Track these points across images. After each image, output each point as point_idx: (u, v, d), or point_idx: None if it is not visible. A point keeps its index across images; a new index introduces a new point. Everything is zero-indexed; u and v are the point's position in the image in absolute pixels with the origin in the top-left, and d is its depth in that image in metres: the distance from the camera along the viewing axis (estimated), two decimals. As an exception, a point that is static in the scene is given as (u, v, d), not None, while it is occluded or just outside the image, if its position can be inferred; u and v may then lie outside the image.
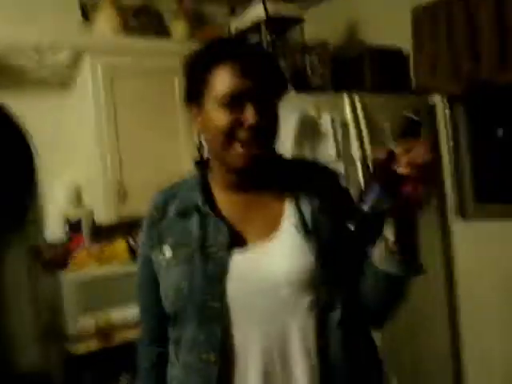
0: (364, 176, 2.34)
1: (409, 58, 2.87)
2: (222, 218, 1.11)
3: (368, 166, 2.24)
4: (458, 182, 2.93)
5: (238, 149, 1.05)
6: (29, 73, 2.66)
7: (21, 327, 4.60)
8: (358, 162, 2.38)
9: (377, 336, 1.21)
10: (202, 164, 1.20)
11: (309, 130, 2.24)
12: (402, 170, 0.93)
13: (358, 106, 2.45)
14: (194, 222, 1.11)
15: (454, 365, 2.91)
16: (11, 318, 4.59)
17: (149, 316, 1.24)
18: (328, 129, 2.28)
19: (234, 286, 1.05)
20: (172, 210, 1.15)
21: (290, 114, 2.17)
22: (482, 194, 2.93)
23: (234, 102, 1.04)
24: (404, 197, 0.94)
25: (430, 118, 2.86)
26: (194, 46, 1.12)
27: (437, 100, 2.88)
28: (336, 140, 2.30)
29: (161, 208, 1.17)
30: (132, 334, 2.35)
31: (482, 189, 2.93)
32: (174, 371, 1.15)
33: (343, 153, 2.33)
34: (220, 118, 1.04)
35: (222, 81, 1.04)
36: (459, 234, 2.87)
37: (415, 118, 0.98)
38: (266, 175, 1.15)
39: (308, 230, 1.08)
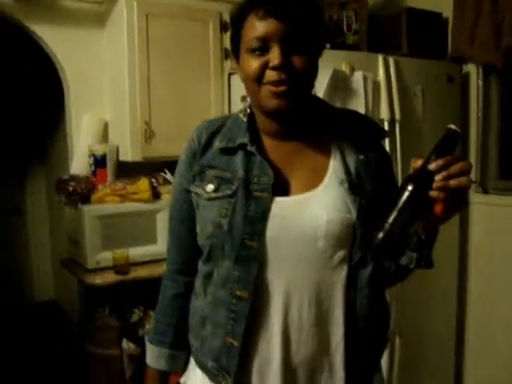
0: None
1: (448, 23, 2.81)
2: (268, 161, 1.11)
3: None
4: (482, 155, 2.91)
5: (266, 89, 1.04)
6: (65, 7, 2.67)
7: (39, 257, 4.75)
8: (386, 122, 2.37)
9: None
10: (250, 111, 1.18)
11: (340, 86, 2.22)
12: (434, 194, 0.93)
13: (392, 67, 2.42)
14: (238, 160, 1.11)
15: (458, 336, 2.96)
16: (30, 248, 4.73)
17: (179, 246, 1.26)
18: (359, 86, 2.26)
19: (274, 230, 1.06)
20: (217, 143, 1.15)
21: (322, 69, 2.14)
22: (506, 170, 2.90)
23: (262, 46, 1.03)
24: (433, 218, 0.96)
25: (462, 86, 2.82)
26: None
27: (471, 69, 2.83)
28: (366, 98, 2.28)
29: (205, 140, 1.17)
30: (147, 272, 2.43)
31: (506, 164, 2.91)
32: (198, 303, 1.19)
33: (372, 111, 2.32)
34: (250, 64, 1.05)
35: (251, 26, 1.04)
36: (478, 207, 2.86)
37: (457, 129, 0.93)
38: (310, 124, 1.15)
39: (351, 185, 1.09)
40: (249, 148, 1.11)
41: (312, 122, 1.15)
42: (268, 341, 1.08)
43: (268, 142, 1.15)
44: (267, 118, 1.12)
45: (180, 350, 1.28)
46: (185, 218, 1.21)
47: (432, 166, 0.92)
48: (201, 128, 1.20)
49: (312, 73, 1.08)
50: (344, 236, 1.08)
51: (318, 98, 1.22)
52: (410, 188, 0.95)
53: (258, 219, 1.06)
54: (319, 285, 1.08)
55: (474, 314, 2.95)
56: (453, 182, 0.92)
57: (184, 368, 1.28)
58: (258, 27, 1.02)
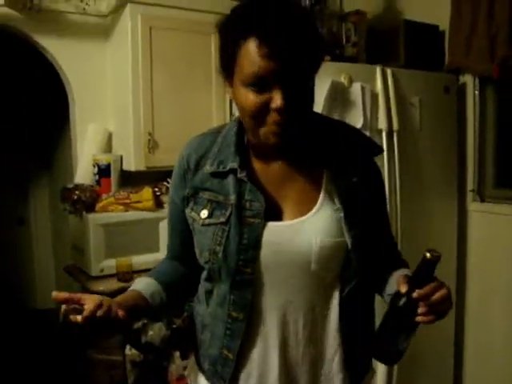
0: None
1: (444, 35, 2.87)
2: (259, 186, 1.10)
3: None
4: (479, 164, 2.95)
5: (266, 130, 1.02)
6: (71, 19, 2.73)
7: (42, 265, 4.78)
8: (384, 132, 2.42)
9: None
10: (239, 126, 1.16)
11: (339, 97, 2.27)
12: (419, 319, 1.00)
13: (390, 78, 2.47)
14: (230, 184, 1.11)
15: (456, 340, 2.99)
16: (33, 256, 4.76)
17: (175, 245, 1.29)
18: (358, 97, 2.31)
19: (267, 256, 1.08)
20: (207, 167, 1.14)
21: (321, 80, 2.19)
22: (503, 179, 2.94)
23: (261, 83, 0.98)
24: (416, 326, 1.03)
25: (459, 96, 2.87)
26: (234, 5, 1.06)
27: (468, 80, 2.89)
28: (364, 109, 2.33)
29: (195, 161, 1.16)
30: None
31: (503, 173, 2.95)
32: (200, 309, 1.22)
33: (370, 122, 2.37)
34: (248, 98, 1.01)
35: (249, 59, 0.98)
36: (476, 215, 2.90)
37: (434, 255, 0.98)
38: (303, 142, 1.13)
39: (344, 208, 1.09)
40: (239, 175, 1.10)
41: (305, 139, 1.13)
42: (265, 355, 1.12)
43: (258, 163, 1.15)
44: (259, 143, 1.08)
45: (168, 288, 1.22)
46: (176, 227, 1.25)
47: (415, 295, 0.99)
48: (190, 149, 1.19)
49: (312, 99, 1.06)
50: (337, 259, 1.11)
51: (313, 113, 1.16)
52: (399, 306, 1.02)
53: (252, 246, 1.08)
54: (313, 304, 1.12)
55: (472, 320, 2.98)
56: (436, 309, 1.00)
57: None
58: (259, 64, 0.97)
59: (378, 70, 2.45)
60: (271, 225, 1.09)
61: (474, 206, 2.92)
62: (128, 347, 2.48)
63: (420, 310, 0.99)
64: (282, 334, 1.11)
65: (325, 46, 1.17)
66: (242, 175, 1.10)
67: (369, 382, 1.27)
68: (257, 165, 1.15)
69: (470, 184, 2.95)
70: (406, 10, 3.03)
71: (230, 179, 1.11)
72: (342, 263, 1.11)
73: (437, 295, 0.99)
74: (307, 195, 1.12)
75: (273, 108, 0.99)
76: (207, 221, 1.12)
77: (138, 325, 2.50)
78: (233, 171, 1.11)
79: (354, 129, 1.26)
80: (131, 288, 1.19)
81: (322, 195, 1.11)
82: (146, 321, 2.43)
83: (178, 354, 2.52)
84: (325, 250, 1.08)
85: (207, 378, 1.20)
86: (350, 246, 1.09)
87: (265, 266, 1.09)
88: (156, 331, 2.50)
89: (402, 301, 1.01)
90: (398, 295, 1.03)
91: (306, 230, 1.09)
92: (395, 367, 2.56)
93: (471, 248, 2.95)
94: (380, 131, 2.42)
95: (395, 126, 2.46)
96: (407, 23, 2.73)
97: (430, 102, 2.66)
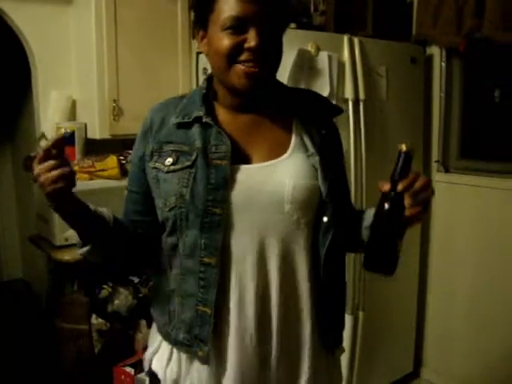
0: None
1: (412, 5, 2.88)
2: (226, 131, 1.12)
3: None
4: (444, 135, 2.99)
5: (238, 68, 1.07)
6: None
7: (6, 236, 4.71)
8: (350, 102, 2.43)
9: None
10: (207, 82, 1.20)
11: (306, 65, 2.26)
12: (408, 211, 1.03)
13: (357, 48, 2.48)
14: (195, 132, 1.13)
15: (419, 310, 3.07)
16: (-3, 227, 4.67)
17: (129, 216, 1.26)
18: (324, 66, 2.31)
19: (238, 196, 1.09)
20: (171, 119, 1.16)
21: (288, 48, 2.17)
22: (467, 150, 3.00)
23: (237, 25, 1.05)
24: (404, 225, 1.06)
25: (425, 68, 2.89)
26: None
27: (435, 51, 2.91)
28: (331, 78, 2.33)
29: (159, 119, 1.18)
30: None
31: (467, 145, 3.00)
32: (163, 278, 1.20)
33: (337, 91, 2.37)
34: (223, 41, 1.06)
35: (227, 4, 1.05)
36: (440, 186, 2.96)
37: (410, 149, 1.03)
38: (271, 99, 1.18)
39: (319, 153, 1.13)
40: (204, 119, 1.12)
41: (271, 98, 1.18)
42: (243, 305, 1.10)
43: (225, 115, 1.17)
44: (228, 92, 1.14)
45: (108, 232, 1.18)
46: (142, 197, 1.22)
47: (400, 188, 1.02)
48: (154, 110, 1.21)
49: (281, 53, 1.13)
50: (310, 201, 1.12)
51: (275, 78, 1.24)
52: (386, 207, 1.05)
53: (220, 186, 1.08)
54: (288, 246, 1.12)
55: (434, 287, 3.07)
56: (420, 197, 1.03)
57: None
58: (236, 7, 1.04)
59: (346, 39, 2.45)
60: (242, 167, 1.11)
61: (438, 177, 2.98)
62: (94, 316, 2.48)
63: (407, 202, 1.03)
64: (258, 281, 1.10)
65: (292, 7, 1.22)
66: (207, 119, 1.12)
67: (338, 357, 1.29)
68: (224, 115, 1.17)
69: (435, 155, 3.00)
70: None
71: (196, 128, 1.13)
72: (317, 210, 1.13)
73: (419, 183, 1.03)
74: (277, 144, 1.15)
75: (246, 47, 1.05)
76: (172, 167, 1.12)
77: (104, 293, 2.50)
78: (198, 119, 1.13)
79: (314, 92, 1.32)
80: None
81: (293, 140, 1.15)
82: (111, 290, 2.43)
83: (144, 322, 2.53)
84: (298, 190, 1.10)
85: (186, 351, 1.15)
86: (325, 191, 1.12)
87: (236, 207, 1.09)
88: (122, 300, 2.50)
89: (388, 200, 1.04)
90: (382, 199, 1.05)
91: (279, 171, 1.11)
92: (359, 341, 2.63)
93: (435, 217, 3.02)
94: (346, 100, 2.43)
95: (361, 95, 2.47)
96: (375, -7, 2.73)
97: (397, 72, 2.68)
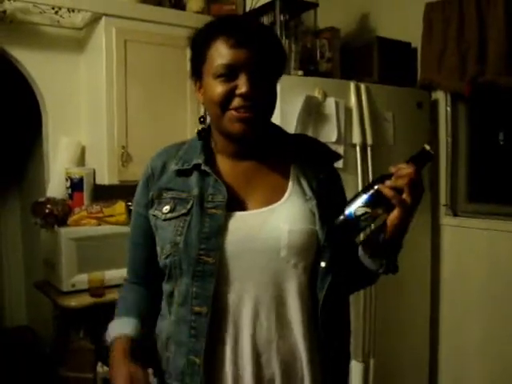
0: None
1: (417, 52, 2.92)
2: (223, 180, 1.13)
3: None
4: (452, 179, 2.99)
5: (231, 114, 1.08)
6: (45, 32, 2.71)
7: (12, 282, 4.67)
8: (358, 147, 2.44)
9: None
10: (204, 132, 1.22)
11: (313, 111, 2.29)
12: (384, 190, 1.04)
13: (364, 94, 2.50)
14: (194, 180, 1.14)
15: (431, 359, 3.00)
16: (3, 272, 4.65)
17: (135, 268, 1.28)
18: (332, 112, 2.33)
19: (233, 243, 1.08)
20: (172, 167, 1.17)
21: (296, 94, 2.22)
22: (475, 194, 2.99)
23: (228, 73, 1.07)
24: (393, 217, 1.07)
25: (431, 112, 2.91)
26: (206, 20, 1.17)
27: (440, 96, 2.94)
28: (339, 123, 2.35)
29: (160, 166, 1.19)
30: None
31: (475, 188, 2.99)
32: (163, 324, 1.19)
33: (344, 137, 2.39)
34: (216, 89, 1.08)
35: (218, 53, 1.08)
36: (449, 229, 2.93)
37: (431, 151, 1.06)
38: (268, 146, 1.20)
39: (316, 197, 1.13)
40: (203, 167, 1.14)
41: (269, 145, 1.20)
42: (239, 355, 1.08)
43: (224, 163, 1.18)
44: (225, 140, 1.16)
45: (143, 322, 1.21)
46: (144, 242, 1.23)
47: (390, 168, 1.05)
48: (156, 156, 1.24)
49: (274, 99, 1.15)
50: (307, 246, 1.11)
51: (274, 123, 1.26)
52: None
53: (213, 235, 1.08)
54: (284, 292, 1.10)
55: (445, 331, 3.00)
56: (399, 183, 1.04)
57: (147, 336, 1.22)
58: (226, 55, 1.07)
59: (352, 85, 2.48)
60: (237, 214, 1.11)
61: (446, 220, 2.96)
62: (99, 364, 2.44)
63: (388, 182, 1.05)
64: (252, 329, 1.08)
65: (285, 56, 1.24)
66: (205, 168, 1.14)
67: None
68: (223, 162, 1.18)
69: (443, 198, 2.99)
70: (379, 27, 3.09)
71: (195, 176, 1.14)
72: (315, 255, 1.12)
73: (403, 170, 1.04)
74: (274, 191, 1.15)
75: (237, 93, 1.07)
76: (169, 215, 1.13)
77: (108, 342, 2.46)
78: (197, 167, 1.15)
79: (312, 138, 1.34)
80: (116, 335, 1.18)
81: (290, 185, 1.15)
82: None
83: (151, 370, 2.48)
84: (294, 234, 1.09)
85: None
86: (322, 236, 1.11)
87: (230, 254, 1.08)
88: (128, 348, 2.45)
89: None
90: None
91: (274, 217, 1.11)
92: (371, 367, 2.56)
93: (444, 261, 2.98)
94: (354, 145, 2.44)
95: (369, 140, 2.48)
96: (380, 40, 2.78)
97: (403, 117, 2.69)
